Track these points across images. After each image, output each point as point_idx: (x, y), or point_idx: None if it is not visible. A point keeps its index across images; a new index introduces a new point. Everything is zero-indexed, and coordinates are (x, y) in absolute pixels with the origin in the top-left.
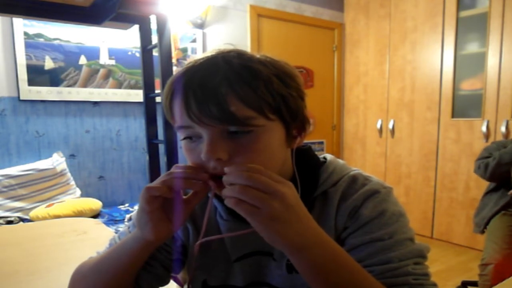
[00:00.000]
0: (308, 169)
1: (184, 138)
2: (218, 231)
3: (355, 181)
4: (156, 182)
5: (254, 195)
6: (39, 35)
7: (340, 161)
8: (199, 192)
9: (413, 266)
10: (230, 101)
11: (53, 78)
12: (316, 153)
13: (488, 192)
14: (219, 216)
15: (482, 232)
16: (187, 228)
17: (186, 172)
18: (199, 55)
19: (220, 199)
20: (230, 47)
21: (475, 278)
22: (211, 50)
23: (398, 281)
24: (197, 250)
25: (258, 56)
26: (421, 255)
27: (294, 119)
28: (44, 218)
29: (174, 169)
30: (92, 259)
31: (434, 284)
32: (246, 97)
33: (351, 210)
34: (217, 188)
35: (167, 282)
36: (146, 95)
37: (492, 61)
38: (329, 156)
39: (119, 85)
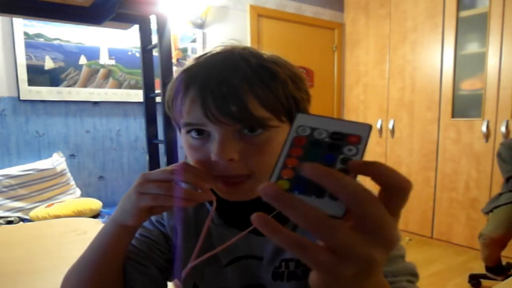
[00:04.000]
0: None
1: (189, 132)
2: (208, 236)
3: None
4: (157, 189)
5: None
6: (39, 35)
7: None
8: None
9: (406, 283)
10: (249, 101)
11: (53, 78)
12: None
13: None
14: (210, 220)
15: (487, 213)
16: (175, 229)
17: (189, 192)
18: (201, 52)
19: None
20: (236, 43)
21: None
22: (217, 46)
23: None
24: (188, 272)
25: (268, 55)
26: (414, 274)
27: None
28: (44, 218)
29: (180, 170)
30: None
31: None
32: (264, 98)
33: None
34: (225, 192)
35: None
36: (146, 95)
37: (492, 61)
38: None
39: (119, 85)
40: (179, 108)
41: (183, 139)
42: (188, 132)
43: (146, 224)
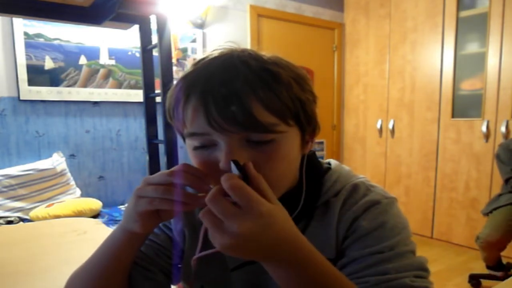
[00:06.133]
0: (312, 177)
1: (197, 148)
2: None
3: (357, 190)
4: (153, 192)
5: (224, 207)
6: (39, 35)
7: (345, 168)
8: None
9: (412, 279)
10: (254, 106)
11: (53, 78)
12: (317, 152)
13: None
14: None
15: (486, 214)
16: (183, 232)
17: (187, 195)
18: (199, 55)
19: None
20: (234, 46)
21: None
22: (215, 50)
23: None
24: (195, 265)
25: (269, 56)
26: (422, 268)
27: (309, 124)
28: (44, 218)
29: (179, 172)
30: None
31: None
32: (269, 103)
33: (352, 220)
34: None
35: None
36: (146, 95)
37: (492, 61)
38: (333, 163)
39: (119, 85)
40: (181, 117)
41: (188, 149)
42: (196, 148)
43: None
